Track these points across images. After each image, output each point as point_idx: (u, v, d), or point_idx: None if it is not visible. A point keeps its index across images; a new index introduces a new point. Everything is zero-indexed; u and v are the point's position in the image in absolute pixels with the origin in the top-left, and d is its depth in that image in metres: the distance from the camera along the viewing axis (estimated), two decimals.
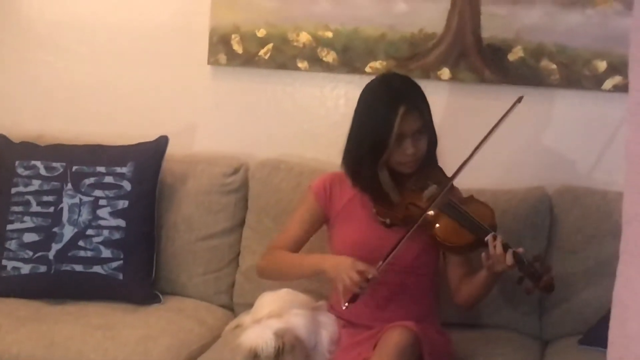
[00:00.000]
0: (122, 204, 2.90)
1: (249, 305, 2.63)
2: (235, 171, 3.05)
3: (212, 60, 3.17)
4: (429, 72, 3.00)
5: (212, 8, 3.12)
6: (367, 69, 3.05)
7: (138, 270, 2.91)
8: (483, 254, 2.39)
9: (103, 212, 2.89)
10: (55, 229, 2.88)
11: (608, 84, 2.89)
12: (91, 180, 2.92)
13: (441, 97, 2.89)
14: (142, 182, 2.94)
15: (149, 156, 2.99)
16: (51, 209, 2.90)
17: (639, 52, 1.34)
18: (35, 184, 2.93)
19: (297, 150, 3.13)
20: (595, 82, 2.90)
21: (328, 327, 2.46)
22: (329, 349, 2.41)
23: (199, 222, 3.00)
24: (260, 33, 3.11)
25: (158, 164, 2.98)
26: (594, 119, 2.95)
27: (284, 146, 3.15)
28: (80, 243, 2.88)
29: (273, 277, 2.66)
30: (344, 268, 2.34)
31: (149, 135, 3.05)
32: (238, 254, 3.03)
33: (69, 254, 2.87)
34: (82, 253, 2.87)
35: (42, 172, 2.94)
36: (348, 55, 3.06)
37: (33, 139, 3.10)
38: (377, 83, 2.54)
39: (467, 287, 2.53)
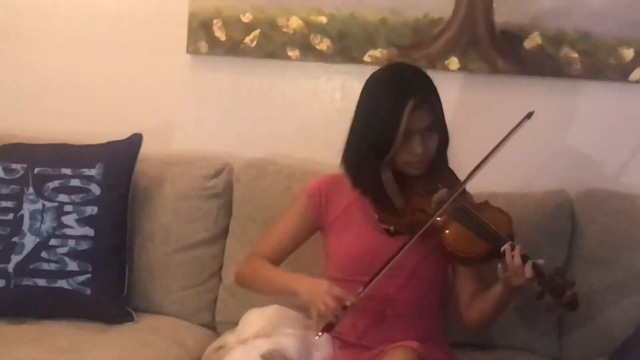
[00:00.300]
0: (91, 210, 2.88)
1: (234, 324, 2.61)
2: (218, 173, 3.03)
3: (192, 49, 3.16)
4: (435, 62, 2.99)
5: None
6: (366, 58, 3.04)
7: (108, 285, 2.90)
8: (499, 265, 2.35)
9: (69, 220, 2.87)
10: (15, 239, 2.87)
11: (636, 74, 2.90)
12: (55, 183, 2.90)
13: (449, 90, 2.86)
14: (113, 185, 2.92)
15: (121, 157, 2.97)
16: (10, 216, 2.89)
17: None
18: None
19: (287, 150, 3.12)
20: (621, 73, 2.91)
21: (321, 348, 2.44)
22: None
23: (177, 231, 3.00)
24: (246, 18, 3.10)
25: (131, 166, 2.97)
26: (620, 113, 2.95)
27: (272, 145, 3.14)
28: (43, 254, 2.86)
29: (249, 287, 2.66)
30: (319, 293, 2.32)
31: (121, 133, 3.02)
32: (221, 267, 3.02)
33: (31, 267, 2.86)
34: (45, 266, 2.85)
35: (0, 174, 2.93)
36: (344, 42, 3.05)
37: None
38: (383, 73, 2.52)
39: (479, 305, 2.51)
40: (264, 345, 2.33)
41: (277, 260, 2.61)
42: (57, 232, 2.85)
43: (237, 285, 2.71)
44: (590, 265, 2.77)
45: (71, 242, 2.85)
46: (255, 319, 2.47)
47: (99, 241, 2.86)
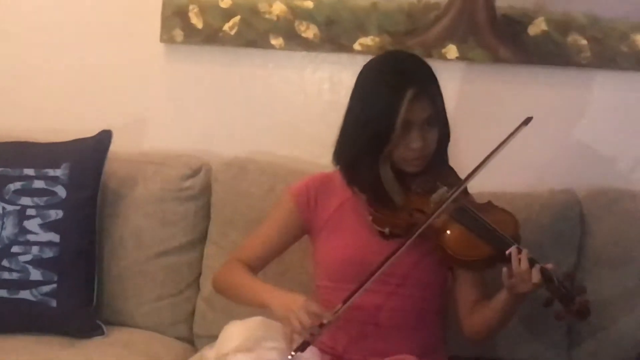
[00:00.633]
0: (56, 214, 2.87)
1: (213, 338, 2.57)
2: (195, 173, 3.03)
3: (166, 38, 3.16)
4: (432, 51, 2.99)
5: None
6: (356, 47, 3.04)
7: (75, 295, 2.89)
8: (504, 270, 2.33)
9: (32, 225, 2.86)
10: None
11: None
12: (17, 185, 2.90)
13: (446, 81, 2.78)
14: (80, 187, 2.91)
15: (88, 155, 2.97)
16: None
17: None
18: None
19: (270, 147, 3.13)
20: (634, 61, 2.92)
21: None
22: None
23: (151, 236, 2.99)
24: (224, 3, 3.10)
25: (99, 165, 2.96)
26: (633, 105, 2.96)
27: (254, 142, 3.14)
28: (4, 263, 2.85)
29: (225, 294, 2.66)
30: (294, 308, 2.30)
31: (88, 129, 3.02)
32: (199, 275, 3.02)
33: None
34: (6, 275, 2.85)
35: None
36: (332, 29, 3.06)
37: None
38: (379, 61, 2.52)
39: (482, 314, 2.49)
40: None
41: (258, 266, 2.61)
42: (20, 239, 2.84)
43: (215, 292, 2.71)
44: (600, 269, 2.77)
45: (35, 249, 2.84)
46: (237, 332, 2.42)
47: (65, 248, 2.85)
